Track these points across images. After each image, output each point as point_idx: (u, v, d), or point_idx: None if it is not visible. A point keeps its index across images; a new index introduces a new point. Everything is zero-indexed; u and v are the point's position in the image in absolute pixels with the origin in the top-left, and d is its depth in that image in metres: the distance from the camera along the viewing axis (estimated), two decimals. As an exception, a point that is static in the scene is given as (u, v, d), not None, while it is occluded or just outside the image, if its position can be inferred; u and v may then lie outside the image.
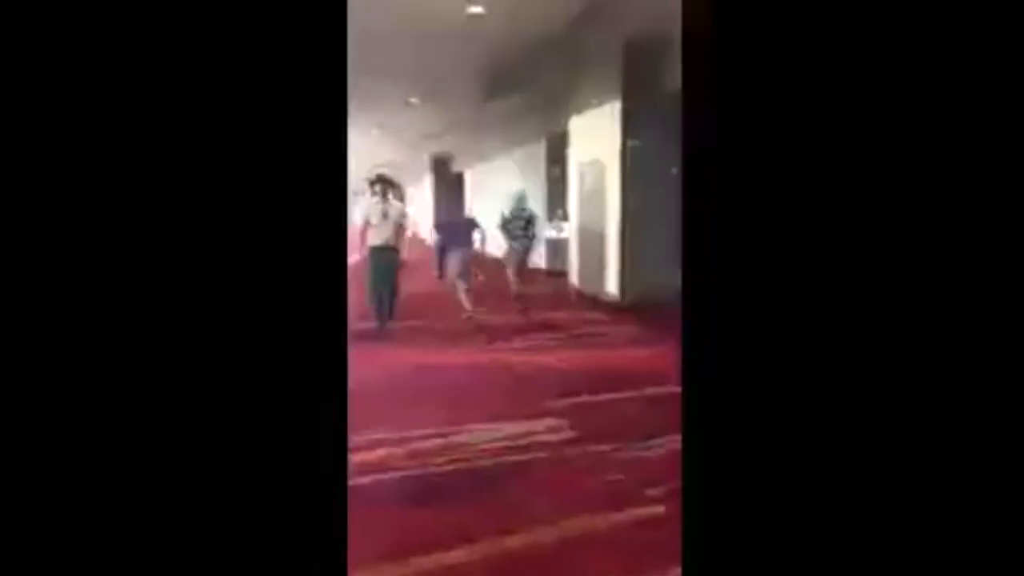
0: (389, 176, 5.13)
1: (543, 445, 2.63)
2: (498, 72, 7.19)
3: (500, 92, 7.96)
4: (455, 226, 5.84)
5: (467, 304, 5.44)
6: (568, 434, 2.76)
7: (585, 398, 3.26)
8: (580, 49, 6.09)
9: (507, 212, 5.72)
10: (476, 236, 5.47)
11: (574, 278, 7.23)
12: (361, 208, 4.85)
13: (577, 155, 7.06)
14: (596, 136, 6.37)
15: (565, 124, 7.24)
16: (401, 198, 5.62)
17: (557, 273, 8.42)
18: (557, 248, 8.78)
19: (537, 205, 9.51)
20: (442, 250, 5.99)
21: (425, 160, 15.48)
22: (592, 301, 6.45)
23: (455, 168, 15.02)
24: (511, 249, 5.76)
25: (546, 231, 9.21)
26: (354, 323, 4.82)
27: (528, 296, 5.95)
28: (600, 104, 6.21)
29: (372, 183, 4.96)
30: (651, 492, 2.17)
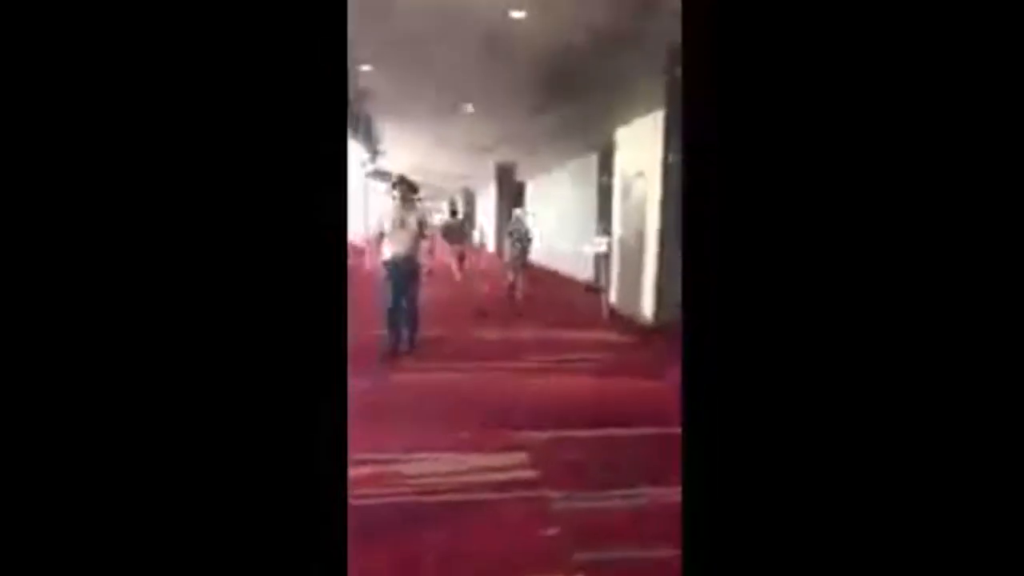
0: (410, 179, 4.64)
1: (491, 485, 2.39)
2: (544, 78, 7.00)
3: (549, 98, 7.77)
4: (456, 223, 9.39)
5: (457, 275, 9.11)
6: (528, 474, 2.50)
7: (567, 432, 2.98)
8: (625, 56, 5.79)
9: (509, 226, 7.62)
10: (473, 232, 8.35)
11: (612, 295, 6.88)
12: (379, 216, 4.49)
13: (623, 166, 6.71)
14: (642, 147, 6.02)
15: (612, 135, 6.93)
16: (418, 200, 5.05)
17: (595, 289, 8.05)
18: (599, 263, 8.41)
19: (588, 217, 9.25)
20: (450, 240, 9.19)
21: (490, 167, 15.59)
22: (624, 320, 6.09)
23: (518, 177, 15.00)
24: (511, 254, 7.40)
25: (589, 246, 8.91)
26: (369, 331, 4.79)
27: (521, 286, 7.50)
28: (646, 113, 5.85)
29: (393, 185, 4.55)
30: (581, 556, 1.88)
